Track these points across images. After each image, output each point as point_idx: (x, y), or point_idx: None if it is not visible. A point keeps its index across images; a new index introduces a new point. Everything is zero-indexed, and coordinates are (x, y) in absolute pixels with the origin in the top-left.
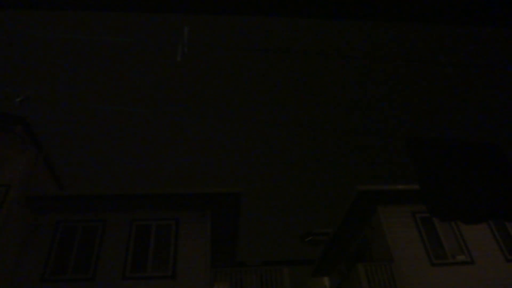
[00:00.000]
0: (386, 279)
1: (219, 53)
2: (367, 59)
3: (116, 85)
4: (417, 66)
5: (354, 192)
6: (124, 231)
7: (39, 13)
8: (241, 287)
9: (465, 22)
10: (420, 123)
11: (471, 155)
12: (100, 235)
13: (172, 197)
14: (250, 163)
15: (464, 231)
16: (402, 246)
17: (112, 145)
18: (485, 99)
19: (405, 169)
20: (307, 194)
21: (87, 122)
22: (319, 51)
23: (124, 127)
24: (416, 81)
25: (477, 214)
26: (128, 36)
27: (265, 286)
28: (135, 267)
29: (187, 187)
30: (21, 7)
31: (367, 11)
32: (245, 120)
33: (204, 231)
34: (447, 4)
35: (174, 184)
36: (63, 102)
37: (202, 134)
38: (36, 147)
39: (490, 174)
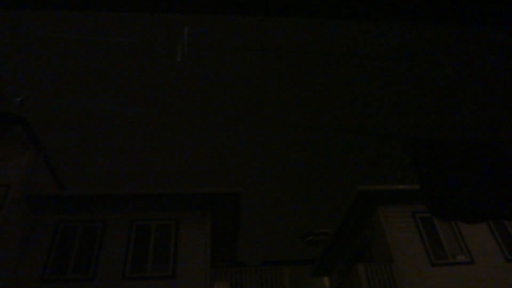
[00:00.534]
0: (386, 279)
1: (219, 53)
2: (367, 59)
3: (116, 85)
4: (417, 66)
5: (354, 192)
6: (124, 231)
7: (39, 13)
8: (241, 287)
9: (465, 22)
10: (420, 123)
11: (471, 155)
12: (100, 235)
13: (172, 197)
14: (250, 163)
15: (464, 231)
16: (402, 246)
17: (112, 145)
18: (485, 99)
19: (405, 169)
20: (307, 194)
21: (87, 122)
22: (319, 51)
23: (124, 127)
24: (416, 81)
25: (477, 214)
26: (128, 36)
27: (265, 286)
28: (135, 267)
29: (187, 187)
30: (21, 7)
31: (367, 11)
32: (245, 120)
33: (204, 231)
34: (447, 4)
35: (174, 184)
36: (63, 102)
37: (202, 134)
38: (36, 147)
39: (490, 174)
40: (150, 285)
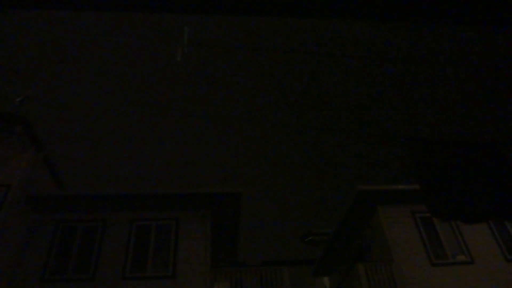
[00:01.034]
0: (386, 279)
1: (219, 53)
2: (367, 59)
3: (116, 85)
4: (417, 66)
5: (354, 192)
6: (124, 231)
7: (39, 13)
8: (241, 287)
9: (466, 22)
10: (420, 123)
11: (471, 155)
12: (100, 235)
13: (172, 197)
14: (250, 163)
15: (464, 231)
16: (402, 246)
17: (112, 145)
18: (485, 99)
19: (405, 169)
20: (307, 194)
21: (87, 122)
22: (320, 51)
23: (124, 127)
24: (416, 81)
25: (477, 214)
26: (128, 36)
27: (265, 286)
28: (135, 267)
29: (187, 187)
30: (21, 7)
31: (367, 11)
32: (246, 120)
33: (204, 231)
34: (447, 4)
35: (174, 184)
36: (63, 102)
37: (203, 134)
38: (36, 147)
39: (490, 174)
40: (150, 285)
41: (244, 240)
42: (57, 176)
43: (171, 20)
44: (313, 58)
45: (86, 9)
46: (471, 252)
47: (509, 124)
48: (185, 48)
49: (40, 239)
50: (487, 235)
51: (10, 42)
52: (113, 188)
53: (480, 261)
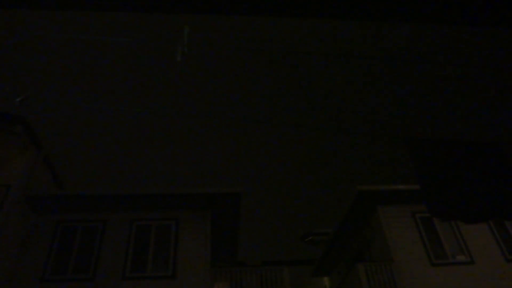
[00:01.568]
0: (386, 279)
1: (219, 53)
2: (367, 59)
3: (116, 85)
4: (417, 66)
5: (354, 192)
6: (124, 231)
7: (39, 13)
8: (241, 287)
9: (465, 22)
10: (420, 123)
11: (471, 155)
12: (100, 235)
13: (172, 197)
14: (250, 163)
15: (464, 231)
16: (402, 246)
17: (112, 145)
18: (485, 99)
19: (405, 169)
20: (307, 194)
21: (87, 122)
22: (320, 51)
23: (124, 127)
24: (416, 81)
25: (477, 214)
26: (128, 36)
27: (265, 286)
28: (135, 267)
29: (187, 187)
30: (21, 7)
31: (367, 11)
32: (245, 120)
33: (204, 231)
34: (447, 4)
35: (174, 184)
36: (63, 102)
37: (202, 134)
38: (36, 147)
39: (490, 174)
40: (150, 285)
41: (244, 240)
42: (57, 176)
43: (171, 20)
44: (313, 58)
45: (86, 9)
46: (471, 252)
47: (509, 124)
48: (185, 48)
49: (40, 239)
50: (487, 235)
51: (10, 42)
52: (113, 188)
53: (480, 261)
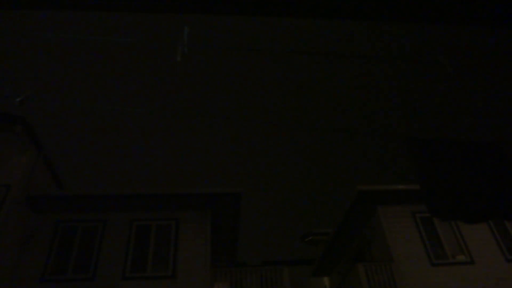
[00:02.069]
0: (386, 279)
1: (219, 53)
2: (367, 59)
3: (116, 85)
4: (417, 66)
5: (354, 192)
6: (124, 231)
7: (39, 13)
8: (241, 287)
9: (465, 22)
10: (420, 123)
11: (471, 155)
12: (100, 235)
13: (172, 197)
14: (250, 163)
15: (464, 231)
16: (402, 246)
17: (112, 145)
18: (485, 99)
19: (405, 169)
20: (307, 194)
21: (87, 122)
22: (320, 51)
23: (124, 127)
24: (416, 81)
25: (477, 214)
26: (128, 36)
27: (265, 286)
28: (135, 267)
29: (187, 187)
30: (21, 7)
31: (367, 11)
32: (245, 120)
33: (204, 231)
34: (447, 4)
35: (174, 184)
36: (63, 102)
37: (203, 134)
38: (36, 147)
39: (490, 174)
40: (150, 285)
41: (244, 240)
42: (57, 176)
43: (171, 20)
44: (314, 58)
45: (86, 9)
46: (471, 252)
47: (509, 124)
48: (185, 48)
49: (40, 239)
50: (487, 235)
51: (10, 42)
52: (113, 188)
53: (480, 261)
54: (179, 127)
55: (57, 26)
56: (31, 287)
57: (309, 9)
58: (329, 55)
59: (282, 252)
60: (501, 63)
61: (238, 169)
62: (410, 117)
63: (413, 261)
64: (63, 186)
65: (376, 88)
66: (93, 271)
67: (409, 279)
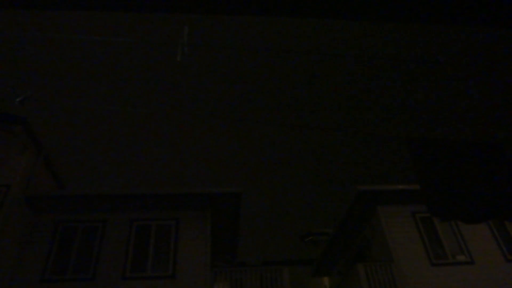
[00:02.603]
0: (386, 279)
1: (219, 53)
2: (367, 59)
3: (116, 85)
4: (417, 66)
5: (354, 192)
6: (124, 231)
7: (39, 13)
8: (241, 287)
9: (465, 22)
10: (420, 123)
11: (471, 155)
12: (100, 235)
13: (172, 197)
14: (250, 163)
15: (464, 231)
16: (402, 246)
17: (112, 145)
18: (485, 99)
19: (405, 169)
20: (307, 194)
21: (87, 122)
22: (320, 51)
23: (124, 127)
24: (416, 81)
25: (477, 214)
26: (128, 36)
27: (265, 286)
28: (135, 267)
29: (187, 187)
30: (21, 7)
31: (367, 11)
32: (245, 120)
33: (204, 231)
34: (447, 4)
35: (174, 184)
36: (63, 102)
37: (203, 134)
38: (36, 147)
39: (490, 174)
40: (150, 285)
41: (244, 240)
42: (57, 176)
43: (171, 20)
44: (313, 58)
45: (87, 9)
46: (471, 252)
47: (509, 124)
48: (185, 48)
49: (40, 239)
50: (487, 235)
51: (10, 42)
52: (113, 188)
53: (480, 261)
54: (179, 127)
55: (57, 26)
56: (31, 287)
57: (310, 9)
58: (330, 55)
59: (282, 252)
60: (501, 63)
61: (238, 169)
62: (410, 117)
63: (413, 261)
64: (63, 186)
65: (376, 88)
66: (93, 271)
67: (409, 279)
